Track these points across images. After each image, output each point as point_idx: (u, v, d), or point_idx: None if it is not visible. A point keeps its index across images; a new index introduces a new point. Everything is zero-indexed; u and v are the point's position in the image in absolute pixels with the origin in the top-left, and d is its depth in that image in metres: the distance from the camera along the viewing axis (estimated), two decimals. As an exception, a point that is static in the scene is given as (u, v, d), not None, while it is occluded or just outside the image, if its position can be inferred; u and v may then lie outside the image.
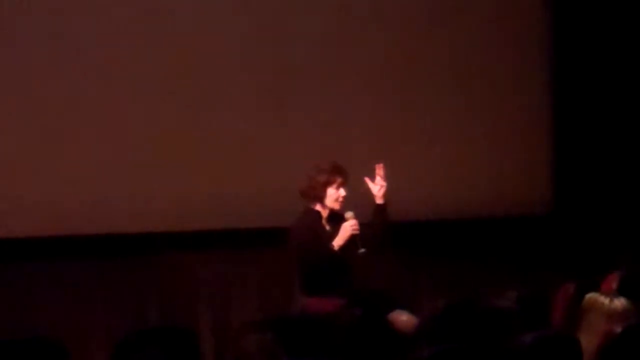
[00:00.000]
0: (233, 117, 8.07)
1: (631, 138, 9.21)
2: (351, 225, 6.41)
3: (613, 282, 6.22)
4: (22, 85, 7.44)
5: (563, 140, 9.33)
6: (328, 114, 8.37)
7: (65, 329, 7.31)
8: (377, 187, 6.57)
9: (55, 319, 7.42)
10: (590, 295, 5.39)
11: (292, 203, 6.63)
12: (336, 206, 6.52)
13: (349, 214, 6.45)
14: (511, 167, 9.13)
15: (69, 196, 7.51)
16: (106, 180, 7.63)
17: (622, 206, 9.09)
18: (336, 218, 6.53)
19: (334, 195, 6.50)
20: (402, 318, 5.17)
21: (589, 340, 5.09)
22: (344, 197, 6.51)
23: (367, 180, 6.59)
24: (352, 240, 6.42)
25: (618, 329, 5.11)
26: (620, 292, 5.63)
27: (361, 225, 6.44)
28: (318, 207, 6.54)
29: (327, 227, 6.54)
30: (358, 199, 6.57)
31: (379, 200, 6.57)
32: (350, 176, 6.60)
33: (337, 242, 6.40)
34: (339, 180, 6.50)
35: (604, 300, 5.30)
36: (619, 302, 5.29)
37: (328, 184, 6.49)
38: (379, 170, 6.59)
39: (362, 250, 6.47)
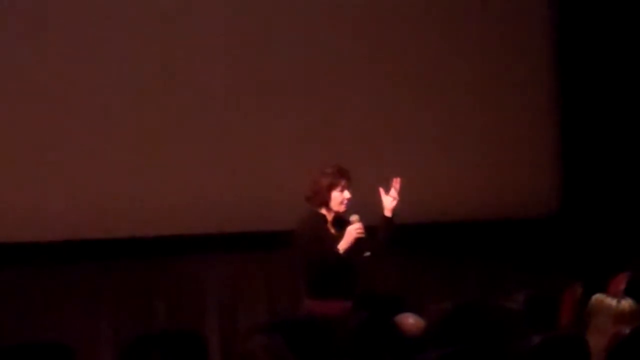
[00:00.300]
0: (239, 120, 8.07)
1: (638, 139, 9.20)
2: (356, 229, 6.41)
3: (620, 283, 6.22)
4: (22, 87, 7.43)
5: (570, 141, 9.32)
6: (332, 116, 8.37)
7: (72, 333, 7.32)
8: (390, 199, 6.57)
9: (62, 324, 7.43)
10: (598, 297, 5.39)
11: (298, 206, 6.63)
12: (341, 209, 6.52)
13: (354, 218, 6.45)
14: (518, 169, 9.12)
15: (76, 200, 7.51)
16: (113, 184, 7.63)
17: (628, 207, 9.07)
18: (341, 221, 6.53)
19: (339, 198, 6.51)
20: (409, 321, 5.16)
21: (596, 341, 5.09)
22: (349, 199, 6.51)
23: (381, 190, 6.59)
24: (357, 243, 6.42)
25: (626, 330, 5.10)
26: (627, 293, 5.62)
27: (366, 228, 6.44)
28: (323, 211, 6.55)
29: (333, 231, 6.54)
30: (360, 201, 6.56)
31: (388, 213, 6.57)
32: (354, 179, 6.59)
33: (342, 245, 6.40)
34: (343, 182, 6.51)
35: (612, 301, 5.30)
36: (627, 303, 5.29)
37: (332, 187, 6.50)
38: (396, 184, 6.59)
39: (367, 253, 6.48)
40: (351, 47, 8.47)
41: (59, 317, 7.46)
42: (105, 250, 7.60)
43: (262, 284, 8.11)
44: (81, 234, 7.53)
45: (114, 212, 7.61)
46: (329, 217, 6.55)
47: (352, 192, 6.51)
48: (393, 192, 6.58)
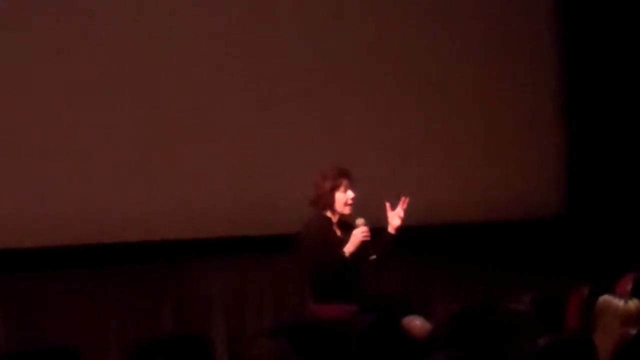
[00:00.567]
0: (245, 124, 8.08)
1: (644, 139, 9.20)
2: (362, 232, 6.40)
3: (627, 284, 6.21)
4: (25, 93, 7.44)
5: (576, 142, 9.31)
6: (337, 119, 8.37)
7: (79, 338, 7.32)
8: (396, 218, 6.56)
9: (69, 328, 7.44)
10: (605, 298, 5.38)
11: (304, 210, 6.62)
12: (346, 210, 6.52)
13: (359, 221, 6.44)
14: (525, 170, 9.12)
15: (82, 205, 7.52)
16: (119, 189, 7.64)
17: (635, 208, 9.06)
18: (346, 224, 6.53)
19: (343, 199, 6.50)
20: (416, 323, 5.16)
21: (603, 343, 5.08)
22: (353, 199, 6.51)
23: (388, 206, 6.58)
24: (362, 247, 6.42)
25: (633, 331, 5.09)
26: (634, 294, 5.62)
27: (372, 231, 6.44)
28: (328, 214, 6.54)
29: (338, 233, 6.54)
30: (364, 202, 6.56)
31: (392, 231, 6.57)
32: (359, 181, 6.59)
33: (348, 248, 6.40)
34: (345, 182, 6.50)
35: (619, 302, 5.29)
36: (634, 304, 5.28)
37: (335, 188, 6.50)
38: (403, 204, 6.58)
39: (373, 256, 6.48)
40: (354, 49, 8.47)
41: (66, 322, 7.46)
42: (111, 255, 7.61)
43: (269, 287, 8.11)
44: (88, 239, 7.53)
45: (121, 217, 7.62)
46: (334, 219, 6.55)
47: (355, 192, 6.50)
48: (400, 211, 6.56)
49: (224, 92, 8.03)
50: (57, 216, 7.44)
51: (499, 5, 9.10)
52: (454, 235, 8.66)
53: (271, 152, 8.12)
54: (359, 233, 6.40)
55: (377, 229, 6.52)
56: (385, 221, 6.57)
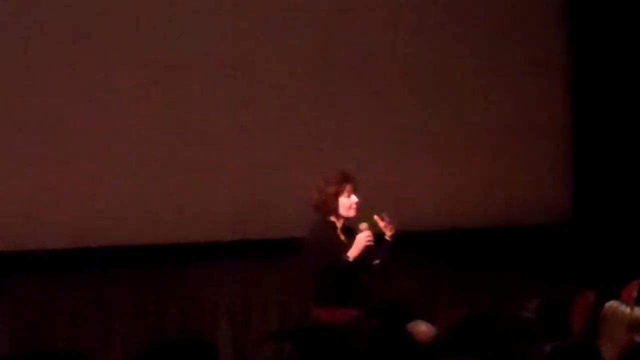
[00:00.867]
0: (250, 129, 8.08)
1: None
2: (365, 237, 6.41)
3: (633, 290, 6.20)
4: (28, 98, 7.44)
5: (582, 149, 9.30)
6: (342, 122, 8.36)
7: (84, 341, 7.33)
8: (388, 230, 6.56)
9: (75, 332, 7.44)
10: (611, 304, 5.37)
11: (309, 214, 6.62)
12: (350, 214, 6.53)
13: (363, 226, 6.45)
14: (531, 176, 9.11)
15: (88, 208, 7.51)
16: (125, 192, 7.63)
17: (641, 214, 9.06)
18: (350, 229, 6.54)
19: (347, 203, 6.51)
20: (421, 328, 5.15)
21: (609, 349, 5.07)
22: (357, 203, 6.51)
23: (377, 218, 6.57)
24: (366, 251, 6.42)
25: (638, 338, 5.09)
26: (640, 300, 5.61)
27: (375, 237, 6.44)
28: (332, 218, 6.55)
29: (342, 238, 6.54)
30: (369, 206, 6.56)
31: (387, 238, 6.57)
32: (364, 185, 6.60)
33: (352, 253, 6.40)
34: (348, 187, 6.52)
35: (625, 308, 5.28)
36: (640, 311, 5.27)
37: (339, 193, 6.51)
38: (385, 221, 6.57)
39: (376, 261, 6.49)
40: (358, 52, 8.46)
41: (71, 326, 7.47)
42: (117, 258, 7.61)
43: (274, 291, 8.11)
44: (93, 242, 7.53)
45: (126, 220, 7.62)
46: (338, 223, 6.56)
47: (359, 197, 6.50)
48: (388, 227, 6.55)
49: (227, 96, 8.02)
50: (62, 220, 7.44)
51: (505, 9, 9.08)
52: (459, 241, 8.65)
53: (275, 156, 8.11)
54: (363, 238, 6.40)
55: (380, 233, 6.52)
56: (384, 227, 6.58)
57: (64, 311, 7.50)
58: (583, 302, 6.19)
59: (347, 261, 6.37)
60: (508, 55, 9.08)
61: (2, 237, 7.26)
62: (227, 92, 8.02)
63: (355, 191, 6.52)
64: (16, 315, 7.39)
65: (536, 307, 5.67)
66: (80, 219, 7.48)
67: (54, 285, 7.46)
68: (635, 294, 6.07)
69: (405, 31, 8.68)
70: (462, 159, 8.80)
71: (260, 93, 8.13)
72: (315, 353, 4.77)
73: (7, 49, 7.32)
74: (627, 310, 5.26)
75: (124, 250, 7.61)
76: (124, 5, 7.70)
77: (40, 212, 7.38)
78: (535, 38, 9.23)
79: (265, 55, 8.15)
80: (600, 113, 9.23)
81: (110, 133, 7.63)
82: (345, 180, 6.52)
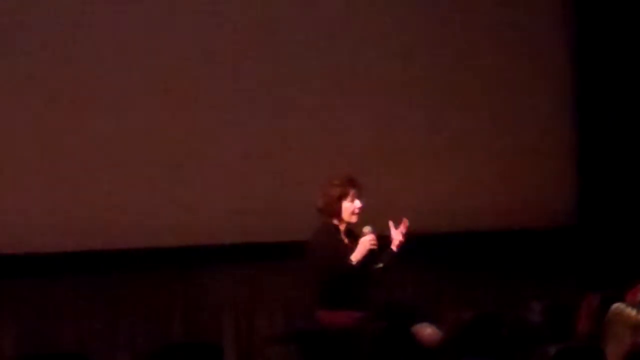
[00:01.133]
0: (254, 132, 8.08)
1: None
2: (369, 240, 6.41)
3: (638, 293, 6.19)
4: (33, 101, 7.45)
5: (587, 151, 9.29)
6: (346, 126, 8.37)
7: (90, 344, 7.34)
8: (399, 236, 6.57)
9: (80, 334, 7.45)
10: (616, 307, 5.36)
11: (313, 217, 6.63)
12: (353, 219, 6.54)
13: (366, 229, 6.46)
14: (535, 178, 9.09)
15: (94, 211, 7.52)
16: (131, 195, 7.65)
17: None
18: (353, 232, 6.55)
19: (350, 208, 6.52)
20: (427, 331, 5.15)
21: (614, 352, 5.06)
22: (360, 209, 6.52)
23: (391, 225, 6.59)
24: (370, 255, 6.43)
25: (643, 340, 5.08)
26: (645, 303, 5.60)
27: (379, 240, 6.45)
28: (335, 222, 6.56)
29: (346, 241, 6.55)
30: (372, 210, 6.56)
31: (394, 247, 6.59)
32: (368, 189, 6.60)
33: (356, 256, 6.41)
34: (352, 192, 6.52)
35: (630, 311, 5.27)
36: (645, 314, 5.26)
37: (342, 197, 6.51)
38: (404, 226, 6.58)
39: (380, 265, 6.49)
40: (361, 55, 8.46)
41: (77, 328, 7.48)
42: (122, 262, 7.62)
43: (279, 294, 8.11)
44: (99, 244, 7.54)
45: (132, 223, 7.63)
46: (342, 228, 6.56)
47: (363, 201, 6.51)
48: (402, 229, 6.57)
49: (231, 100, 8.03)
50: (67, 223, 7.45)
51: (508, 11, 9.08)
52: (464, 243, 8.64)
53: (279, 159, 8.12)
54: (366, 241, 6.41)
55: (384, 237, 6.53)
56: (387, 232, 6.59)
57: (69, 314, 7.51)
58: (588, 305, 6.18)
59: (350, 264, 6.38)
60: (513, 59, 9.07)
61: (8, 240, 7.28)
62: (231, 94, 8.03)
63: (359, 197, 6.52)
64: (21, 319, 7.41)
65: (541, 309, 5.67)
66: (86, 222, 7.49)
67: (59, 288, 7.48)
68: (639, 296, 6.06)
69: (408, 38, 8.68)
70: (466, 162, 8.79)
71: (265, 96, 8.14)
72: (320, 356, 4.77)
73: (7, 49, 7.34)
74: (633, 313, 5.25)
75: (129, 252, 7.62)
76: (124, 5, 7.72)
77: (45, 215, 7.40)
78: (538, 41, 9.22)
79: (269, 58, 8.16)
80: (606, 113, 9.22)
81: (113, 138, 7.64)
82: (350, 184, 6.53)
